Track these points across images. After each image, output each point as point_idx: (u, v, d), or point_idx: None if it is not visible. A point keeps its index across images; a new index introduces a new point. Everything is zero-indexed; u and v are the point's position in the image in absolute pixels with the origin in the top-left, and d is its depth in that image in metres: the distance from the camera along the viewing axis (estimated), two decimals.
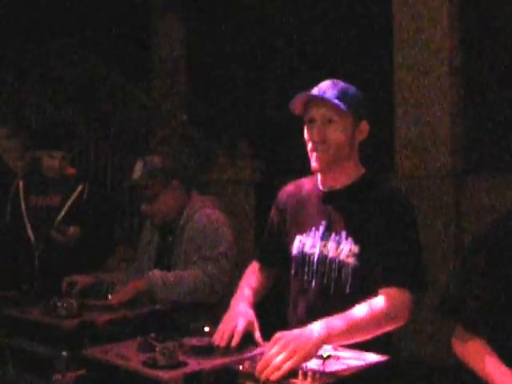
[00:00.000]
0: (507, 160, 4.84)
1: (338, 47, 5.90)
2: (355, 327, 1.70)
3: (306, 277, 2.00)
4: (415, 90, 4.88)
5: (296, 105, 1.97)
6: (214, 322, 1.94)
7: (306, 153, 2.01)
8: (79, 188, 3.49)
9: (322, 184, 2.05)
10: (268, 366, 1.51)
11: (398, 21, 5.00)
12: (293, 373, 1.51)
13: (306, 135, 1.99)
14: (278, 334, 1.60)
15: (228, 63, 6.64)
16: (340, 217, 1.96)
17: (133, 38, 6.89)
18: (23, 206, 3.45)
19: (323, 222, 1.99)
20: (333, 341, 1.65)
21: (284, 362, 1.52)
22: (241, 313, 1.93)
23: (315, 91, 1.96)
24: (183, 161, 5.48)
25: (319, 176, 2.05)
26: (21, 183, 3.53)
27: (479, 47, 4.98)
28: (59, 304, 2.17)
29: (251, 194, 5.56)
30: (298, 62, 6.12)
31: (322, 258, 1.96)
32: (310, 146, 1.97)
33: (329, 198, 2.02)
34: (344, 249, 1.92)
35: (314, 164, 1.97)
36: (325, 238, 1.97)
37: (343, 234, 1.94)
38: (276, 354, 1.54)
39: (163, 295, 2.47)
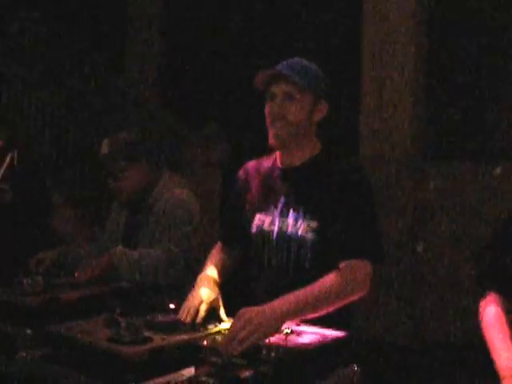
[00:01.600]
0: (466, 148, 4.96)
1: (307, 31, 5.92)
2: (317, 301, 1.73)
3: (266, 254, 2.02)
4: (380, 80, 4.96)
5: (259, 80, 1.99)
6: (180, 300, 1.96)
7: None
8: (8, 157, 3.50)
9: (281, 161, 2.07)
10: (232, 340, 1.54)
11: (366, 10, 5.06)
12: (256, 347, 1.54)
13: (266, 111, 2.01)
14: (242, 310, 1.63)
15: (202, 46, 6.60)
16: (298, 193, 1.99)
17: (107, 17, 6.77)
18: None
19: (281, 199, 2.02)
20: (296, 316, 1.68)
21: (247, 336, 1.54)
22: (206, 290, 1.95)
23: (278, 67, 1.98)
24: (151, 138, 5.45)
25: (278, 154, 2.08)
26: None
27: (443, 35, 5.07)
28: (25, 281, 2.16)
29: (218, 175, 5.57)
30: (272, 43, 6.11)
31: (281, 234, 1.98)
32: (268, 121, 1.99)
33: (287, 174, 2.04)
34: (302, 224, 1.94)
35: (271, 140, 1.99)
36: (283, 214, 2.00)
37: (301, 209, 1.96)
38: (240, 329, 1.56)
39: (126, 273, 2.48)
